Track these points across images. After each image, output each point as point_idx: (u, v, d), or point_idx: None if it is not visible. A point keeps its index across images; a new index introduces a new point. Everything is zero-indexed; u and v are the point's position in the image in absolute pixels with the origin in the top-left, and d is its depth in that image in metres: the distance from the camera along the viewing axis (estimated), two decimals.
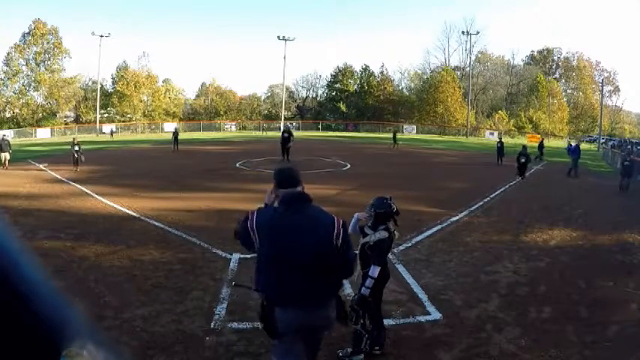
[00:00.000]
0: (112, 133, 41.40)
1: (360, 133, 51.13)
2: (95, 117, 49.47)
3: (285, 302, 2.38)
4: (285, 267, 2.38)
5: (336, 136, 42.95)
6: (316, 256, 2.37)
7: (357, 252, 3.28)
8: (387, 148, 29.82)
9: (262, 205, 2.73)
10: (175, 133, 26.11)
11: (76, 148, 16.31)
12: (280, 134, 20.31)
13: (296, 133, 21.09)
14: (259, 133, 47.80)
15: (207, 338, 4.03)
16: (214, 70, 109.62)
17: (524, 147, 16.33)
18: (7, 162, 17.13)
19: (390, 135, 32.06)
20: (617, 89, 62.92)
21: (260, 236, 2.44)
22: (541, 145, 23.74)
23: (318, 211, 2.53)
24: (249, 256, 6.29)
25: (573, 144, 19.42)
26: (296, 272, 2.36)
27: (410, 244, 6.93)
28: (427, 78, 58.84)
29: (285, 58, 53.31)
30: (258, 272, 2.52)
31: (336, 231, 2.41)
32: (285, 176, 2.64)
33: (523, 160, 15.49)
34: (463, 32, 53.41)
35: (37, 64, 49.22)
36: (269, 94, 63.53)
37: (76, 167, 16.07)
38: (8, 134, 30.77)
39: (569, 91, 62.75)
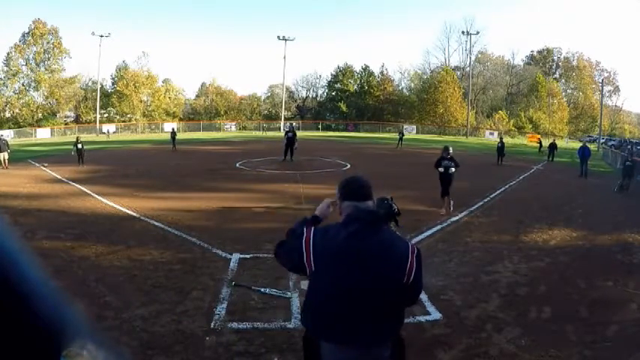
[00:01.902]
0: (108, 133, 41.30)
1: (360, 133, 51.15)
2: (95, 117, 49.49)
3: (336, 339, 2.00)
4: (344, 300, 1.99)
5: (336, 136, 42.93)
6: (384, 292, 2.00)
7: None
8: (387, 147, 29.87)
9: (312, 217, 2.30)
10: (173, 133, 26.30)
11: (79, 146, 17.54)
12: (284, 134, 20.24)
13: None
14: (259, 133, 47.79)
15: (207, 338, 4.03)
16: (214, 70, 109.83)
17: (447, 149, 10.04)
18: (6, 161, 17.26)
19: (394, 135, 32.12)
20: (617, 89, 63.02)
21: (318, 262, 2.01)
22: (553, 146, 23.41)
23: (391, 236, 2.11)
24: (248, 256, 6.31)
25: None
26: (356, 307, 1.99)
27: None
28: (427, 78, 58.87)
29: (285, 58, 53.46)
30: (308, 301, 2.13)
31: (409, 263, 2.01)
32: (357, 186, 2.15)
33: (452, 169, 9.85)
34: (463, 32, 53.44)
35: (37, 64, 49.21)
36: (269, 94, 63.55)
37: (80, 164, 17.16)
38: (8, 134, 30.82)
39: (569, 91, 62.76)
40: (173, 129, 28.18)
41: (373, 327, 2.00)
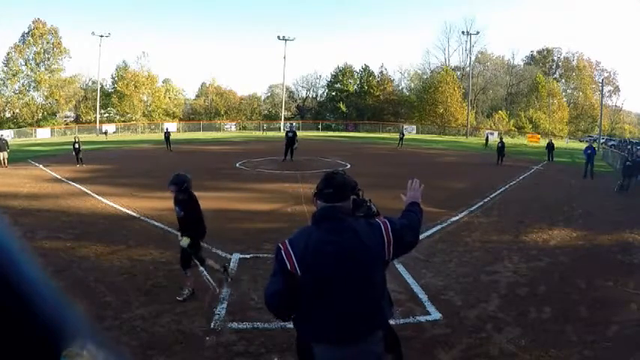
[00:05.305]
0: (105, 133, 41.31)
1: (360, 133, 51.17)
2: (95, 117, 49.49)
3: (325, 339, 2.02)
4: (330, 299, 2.01)
5: (336, 136, 42.94)
6: (368, 279, 2.04)
7: None
8: (387, 147, 29.92)
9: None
10: (167, 134, 26.28)
11: (76, 146, 17.73)
12: (285, 134, 20.25)
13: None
14: (259, 133, 47.80)
15: (207, 338, 4.03)
16: (214, 70, 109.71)
17: None
18: (5, 161, 17.33)
19: (394, 135, 32.27)
20: (617, 89, 62.96)
21: (302, 264, 2.00)
22: (550, 147, 23.20)
23: (364, 225, 2.09)
24: (248, 256, 6.31)
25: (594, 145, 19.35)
26: (342, 303, 2.00)
27: None
28: (427, 78, 58.87)
29: (285, 58, 53.52)
30: (299, 303, 2.10)
31: (386, 242, 2.05)
32: (328, 185, 2.10)
33: None
34: (463, 32, 53.52)
35: (37, 64, 49.19)
36: (269, 94, 63.58)
37: (79, 164, 17.34)
38: (8, 134, 30.83)
39: (569, 91, 62.74)
40: (167, 129, 28.21)
41: (362, 319, 2.03)
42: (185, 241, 4.84)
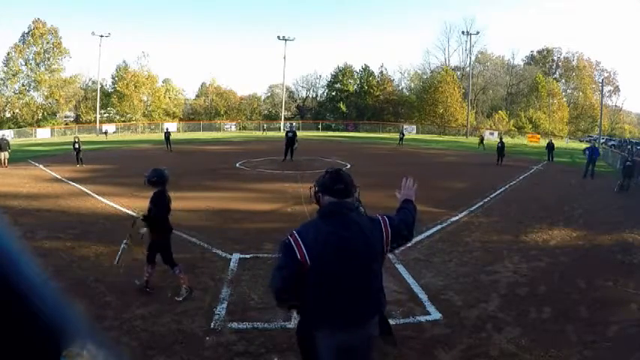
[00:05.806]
0: (105, 133, 41.30)
1: (360, 133, 51.17)
2: (95, 117, 49.49)
3: (328, 325, 2.13)
4: (332, 289, 2.12)
5: (336, 136, 42.94)
6: (367, 273, 2.17)
7: None
8: (388, 147, 29.94)
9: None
10: (167, 134, 26.21)
11: (76, 146, 17.73)
12: (284, 134, 20.24)
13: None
14: (259, 133, 47.80)
15: (207, 338, 4.03)
16: (214, 70, 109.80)
17: None
18: (6, 161, 17.35)
19: (394, 135, 32.45)
20: (617, 89, 63.00)
21: (312, 254, 2.09)
22: (550, 147, 23.10)
23: (366, 220, 2.26)
24: (248, 256, 6.31)
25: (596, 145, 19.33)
26: (348, 291, 2.12)
27: (410, 244, 6.91)
28: (427, 78, 58.88)
29: (285, 58, 53.53)
30: (304, 293, 2.18)
31: (384, 236, 2.20)
32: (339, 181, 2.23)
33: None
34: (463, 32, 53.52)
35: (37, 64, 49.18)
36: (269, 94, 63.59)
37: (79, 164, 17.36)
38: (8, 134, 30.83)
39: (569, 91, 62.73)
40: (167, 129, 28.17)
41: (364, 308, 2.17)
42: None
